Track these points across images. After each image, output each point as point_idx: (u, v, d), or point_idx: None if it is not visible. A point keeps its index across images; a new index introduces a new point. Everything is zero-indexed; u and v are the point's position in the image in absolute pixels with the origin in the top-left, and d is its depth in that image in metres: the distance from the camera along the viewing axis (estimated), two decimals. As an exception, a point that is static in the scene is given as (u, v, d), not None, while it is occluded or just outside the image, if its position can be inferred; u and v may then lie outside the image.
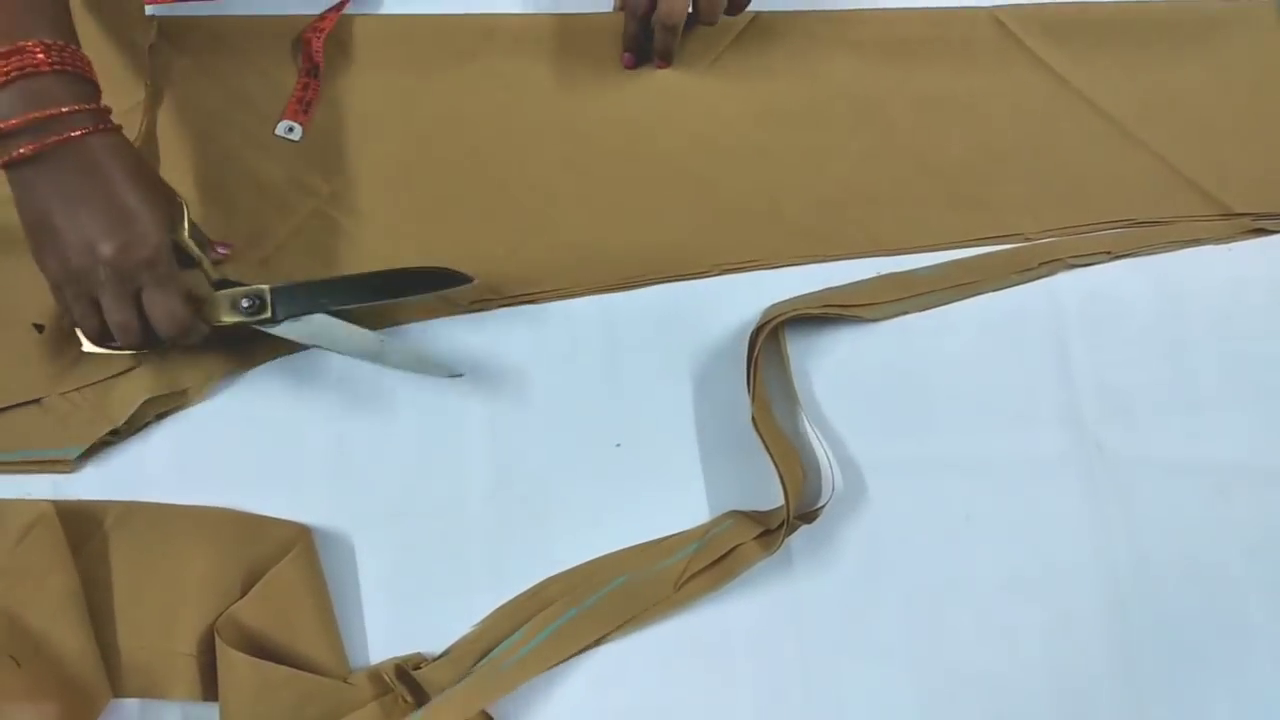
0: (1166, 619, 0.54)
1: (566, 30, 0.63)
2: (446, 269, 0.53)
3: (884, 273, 0.59)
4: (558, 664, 0.51)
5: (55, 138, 0.45)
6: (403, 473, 0.55)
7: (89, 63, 0.47)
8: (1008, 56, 0.64)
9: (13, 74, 0.44)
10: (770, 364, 0.56)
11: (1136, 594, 0.54)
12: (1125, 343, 0.59)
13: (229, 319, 0.52)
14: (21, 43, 0.44)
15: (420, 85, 0.61)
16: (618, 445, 0.56)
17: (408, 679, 0.50)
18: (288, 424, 0.55)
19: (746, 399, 0.55)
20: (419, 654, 0.52)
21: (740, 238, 0.59)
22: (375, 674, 0.51)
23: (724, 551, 0.53)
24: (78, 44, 0.47)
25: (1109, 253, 0.60)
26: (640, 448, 0.56)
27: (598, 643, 0.52)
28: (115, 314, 0.48)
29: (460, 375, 0.54)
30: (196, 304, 0.51)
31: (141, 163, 0.48)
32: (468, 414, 0.56)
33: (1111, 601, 0.54)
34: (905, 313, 0.58)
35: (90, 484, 0.54)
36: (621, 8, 0.63)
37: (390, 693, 0.50)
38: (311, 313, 0.53)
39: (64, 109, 0.45)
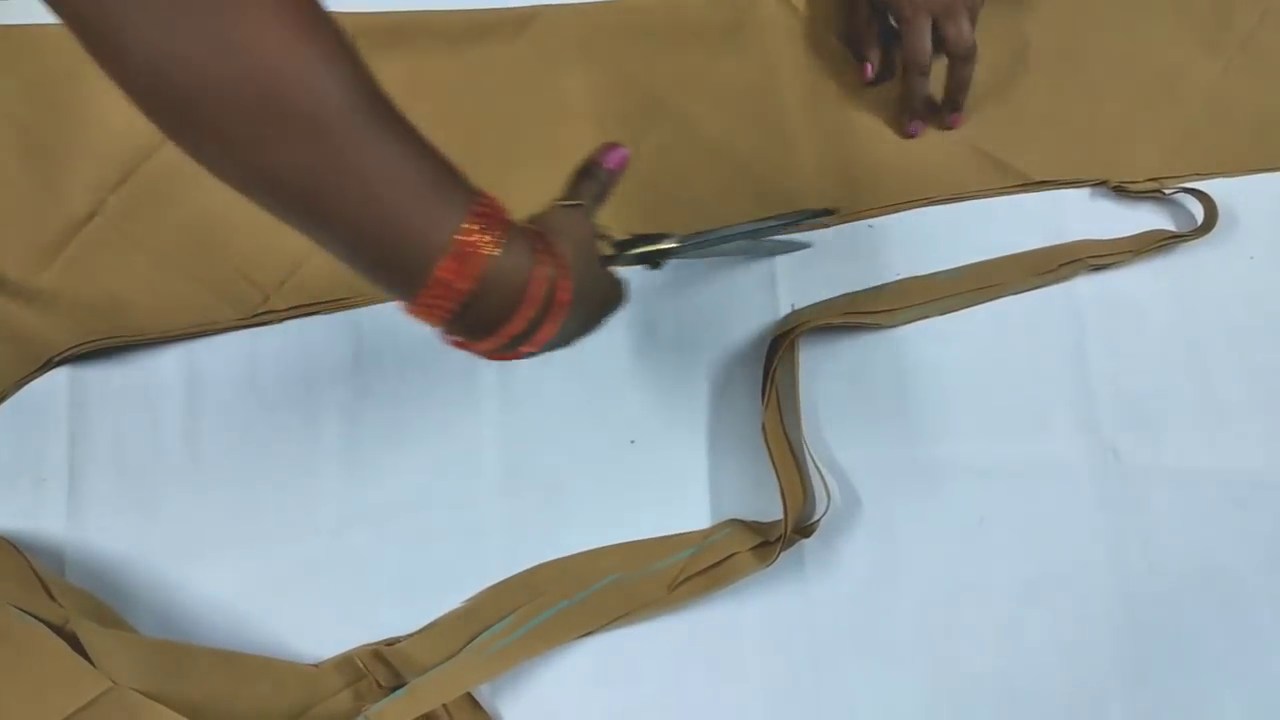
0: (1179, 627, 0.54)
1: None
2: (812, 209, 0.55)
3: (903, 277, 0.59)
4: (543, 654, 0.51)
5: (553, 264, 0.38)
6: (417, 466, 0.55)
7: None
8: (795, 35, 0.62)
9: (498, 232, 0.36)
10: (786, 375, 0.56)
11: (1149, 601, 0.54)
12: (1143, 350, 0.58)
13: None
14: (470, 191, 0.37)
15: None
16: (632, 442, 0.56)
17: (383, 662, 0.51)
18: (302, 418, 0.55)
19: (760, 405, 0.55)
20: (393, 636, 0.52)
21: None
22: (346, 660, 0.51)
23: (720, 558, 0.53)
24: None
25: (1130, 252, 0.59)
26: (654, 446, 0.56)
27: (586, 636, 0.52)
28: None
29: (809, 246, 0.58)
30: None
31: (586, 241, 0.43)
32: (483, 407, 0.56)
33: (1124, 608, 0.54)
34: (925, 317, 0.58)
35: (104, 482, 0.54)
36: (878, 77, 0.61)
37: (364, 679, 0.51)
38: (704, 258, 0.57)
39: (544, 268, 0.38)
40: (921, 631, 0.53)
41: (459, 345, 0.39)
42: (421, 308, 0.36)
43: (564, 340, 0.42)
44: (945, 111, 0.61)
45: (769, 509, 0.54)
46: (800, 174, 0.60)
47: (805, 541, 0.53)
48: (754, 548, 0.53)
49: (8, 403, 0.55)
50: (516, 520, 0.55)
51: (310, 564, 0.54)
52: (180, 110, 0.32)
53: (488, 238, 0.35)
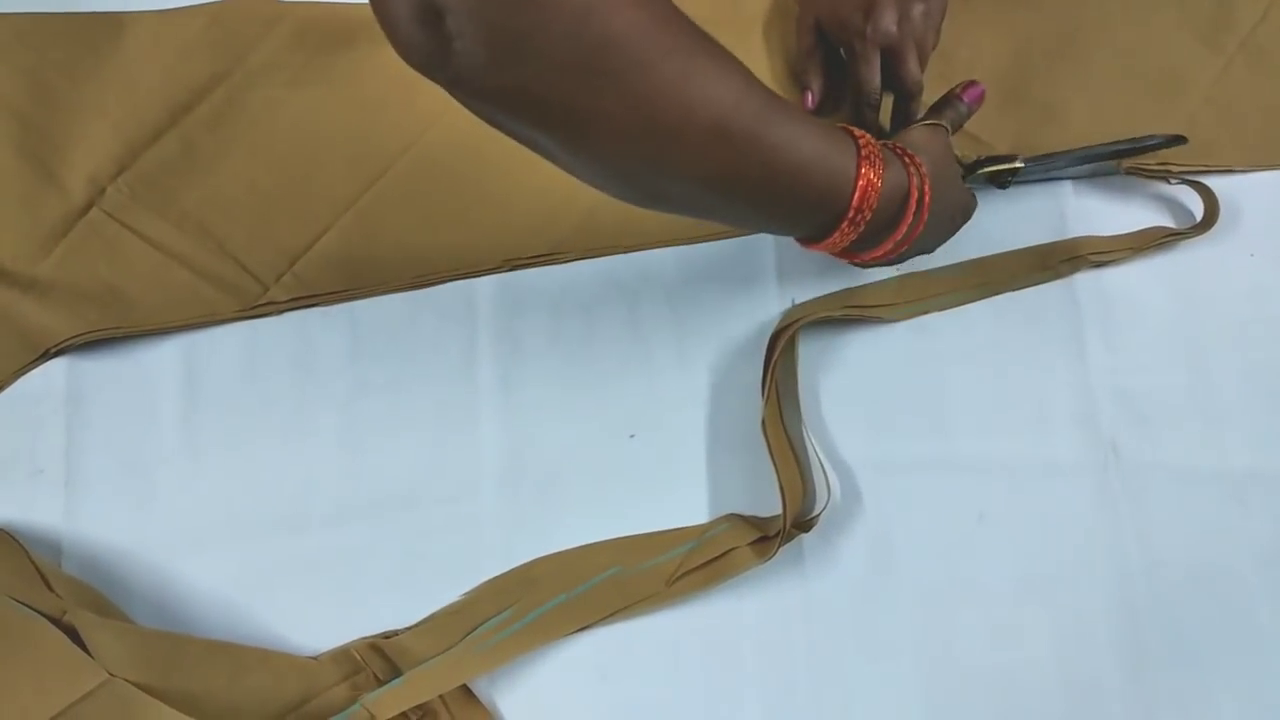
0: (1177, 623, 0.54)
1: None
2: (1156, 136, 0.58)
3: (903, 272, 0.59)
4: (541, 647, 0.52)
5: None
6: (415, 459, 0.55)
7: None
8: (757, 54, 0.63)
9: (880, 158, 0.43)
10: (786, 368, 0.56)
11: (1148, 598, 0.54)
12: (1143, 347, 0.58)
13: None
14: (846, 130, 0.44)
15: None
16: (632, 436, 0.56)
17: (380, 654, 0.51)
18: (300, 410, 0.55)
19: (760, 399, 0.55)
20: (392, 630, 0.52)
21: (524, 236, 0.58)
22: (344, 653, 0.51)
23: (719, 553, 0.53)
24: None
25: (1131, 249, 0.59)
26: (653, 440, 0.56)
27: (583, 630, 0.52)
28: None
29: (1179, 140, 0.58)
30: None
31: (945, 151, 0.50)
32: (481, 401, 0.56)
33: (1122, 605, 0.54)
34: (926, 312, 0.58)
35: (101, 474, 0.54)
36: (819, 107, 0.60)
37: (362, 671, 0.51)
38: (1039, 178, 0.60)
39: (910, 173, 0.46)
40: (919, 627, 0.53)
41: (850, 259, 0.48)
42: (834, 240, 0.44)
43: (927, 242, 0.50)
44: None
45: (768, 503, 0.54)
46: None
47: (804, 536, 0.53)
48: (753, 542, 0.53)
49: (5, 394, 0.55)
50: (514, 514, 0.55)
51: (308, 556, 0.54)
52: (653, 165, 0.38)
53: (876, 166, 0.42)
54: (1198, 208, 0.60)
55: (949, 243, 0.59)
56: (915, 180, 0.45)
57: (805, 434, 0.55)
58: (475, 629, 0.52)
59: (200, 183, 0.57)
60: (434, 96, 0.58)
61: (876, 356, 0.57)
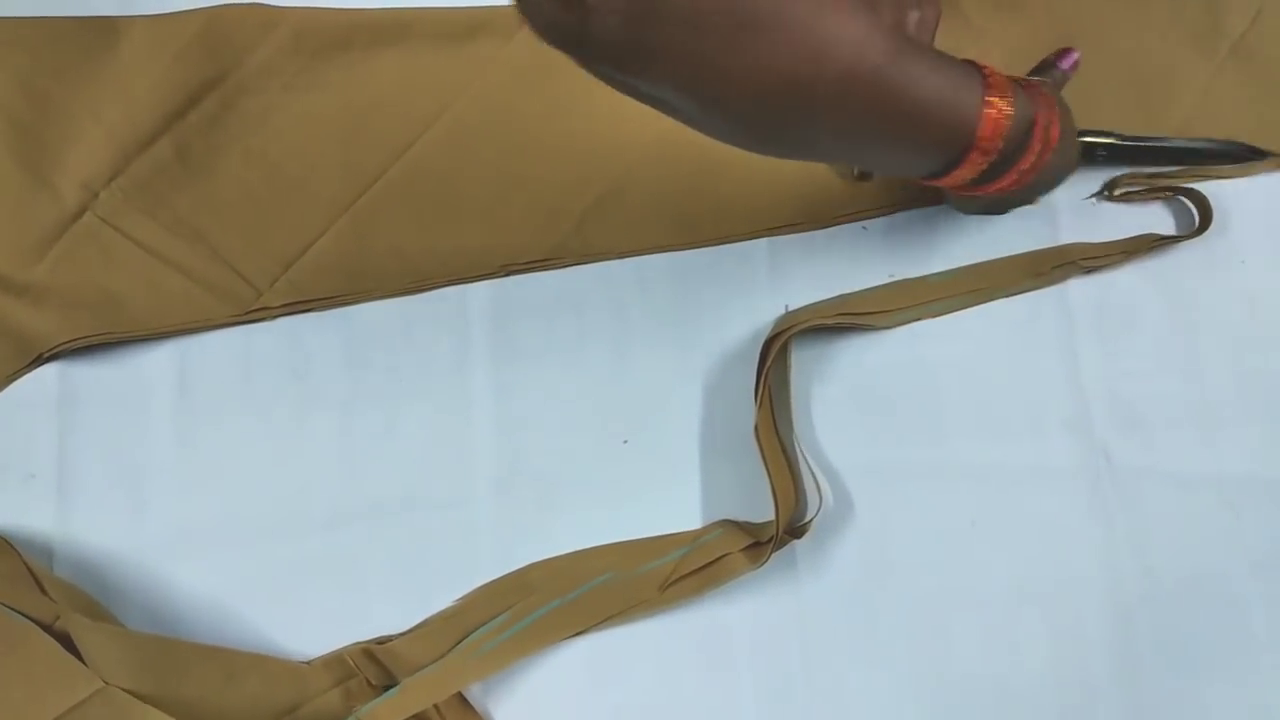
0: (1171, 630, 0.54)
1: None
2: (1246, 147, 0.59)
3: (896, 278, 0.59)
4: (535, 653, 0.52)
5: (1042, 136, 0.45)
6: (409, 464, 0.55)
7: None
8: None
9: (1008, 89, 0.43)
10: (779, 375, 0.56)
11: (1141, 605, 0.54)
12: (1137, 353, 0.58)
13: None
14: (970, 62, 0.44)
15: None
16: (625, 442, 0.56)
17: (373, 660, 0.51)
18: (294, 415, 0.55)
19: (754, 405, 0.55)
20: (385, 635, 0.52)
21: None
22: (337, 659, 0.51)
23: (712, 559, 0.53)
24: None
25: (1123, 254, 0.59)
26: (647, 445, 0.56)
27: (577, 635, 0.52)
28: None
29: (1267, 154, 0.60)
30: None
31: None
32: (475, 406, 0.56)
33: (1116, 612, 0.54)
34: (919, 319, 0.58)
35: (94, 479, 0.54)
36: None
37: (355, 677, 0.51)
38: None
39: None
40: (913, 632, 0.54)
41: (963, 191, 0.47)
42: (962, 172, 0.44)
43: (1048, 181, 0.49)
44: None
45: (761, 509, 0.54)
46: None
47: (797, 542, 0.53)
48: (746, 548, 0.53)
49: (-3, 398, 0.55)
50: (508, 519, 0.55)
51: (301, 562, 0.54)
52: (786, 116, 0.37)
53: (1006, 100, 0.42)
54: (1191, 213, 0.61)
55: (947, 247, 0.59)
56: (1044, 111, 0.44)
57: (797, 441, 0.55)
58: (469, 635, 0.52)
59: (194, 187, 0.57)
60: (429, 102, 0.59)
61: (869, 363, 0.58)
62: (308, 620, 0.53)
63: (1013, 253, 0.59)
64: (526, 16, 0.35)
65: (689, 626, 0.53)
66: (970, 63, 0.43)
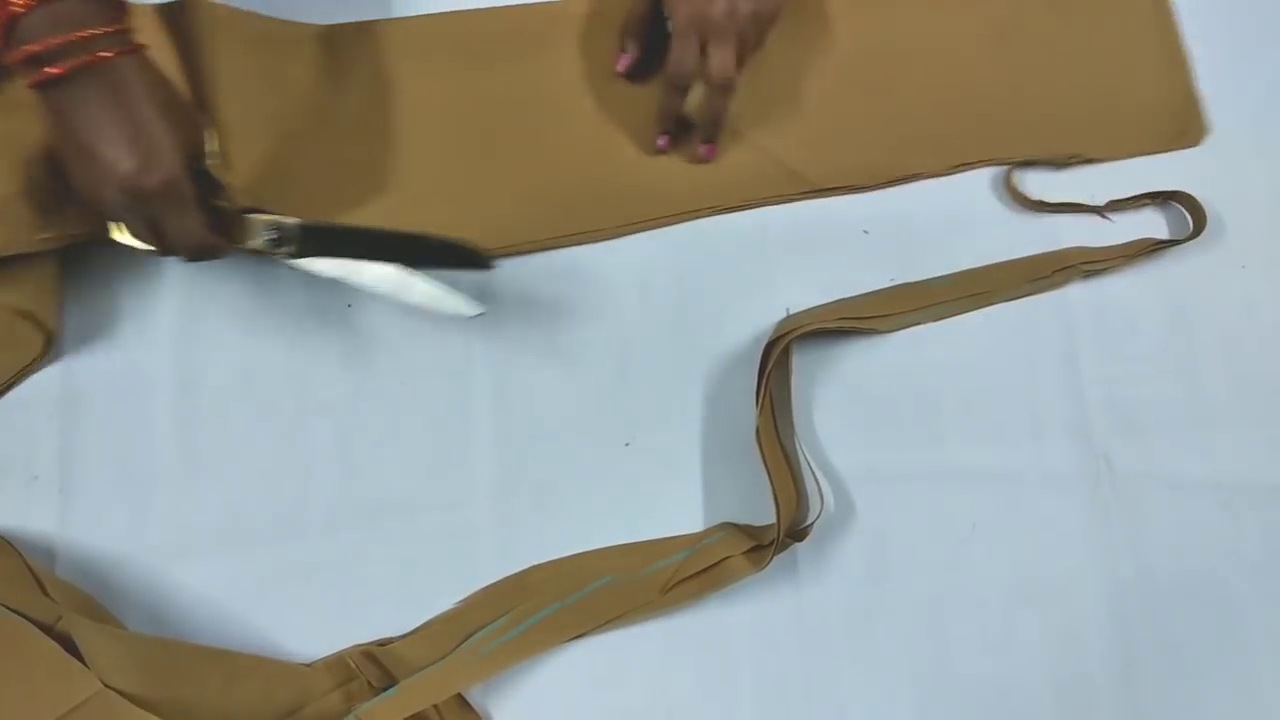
0: (1169, 634, 0.54)
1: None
2: (471, 248, 0.51)
3: (897, 282, 0.59)
4: (535, 655, 0.52)
5: (82, 59, 0.44)
6: (410, 467, 0.55)
7: None
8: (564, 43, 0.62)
9: None
10: (780, 378, 0.56)
11: (1140, 608, 0.54)
12: (1135, 358, 0.59)
13: (253, 244, 0.51)
14: None
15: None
16: (626, 444, 0.56)
17: (374, 663, 0.51)
18: (295, 418, 0.55)
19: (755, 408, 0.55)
20: (386, 637, 0.52)
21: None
22: (338, 661, 0.51)
23: (713, 562, 0.53)
24: None
25: (1122, 259, 0.60)
26: (649, 448, 0.56)
27: (578, 638, 0.52)
28: (138, 230, 0.49)
29: (481, 313, 0.52)
30: (222, 225, 0.50)
31: (163, 85, 0.49)
32: (476, 408, 0.56)
33: (1114, 615, 0.54)
34: (919, 323, 0.58)
35: (96, 480, 0.54)
36: (630, 73, 0.61)
37: (355, 679, 0.51)
38: (335, 255, 0.52)
39: (92, 31, 0.44)
40: (913, 636, 0.54)
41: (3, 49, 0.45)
42: None
43: (80, 147, 0.46)
44: (698, 140, 0.59)
45: (763, 512, 0.54)
46: (560, 186, 0.60)
47: (798, 546, 0.53)
48: (747, 551, 0.53)
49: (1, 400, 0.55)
50: (509, 521, 0.55)
51: (302, 564, 0.54)
52: None
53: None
54: (1188, 218, 0.61)
55: (948, 252, 0.59)
56: (101, 37, 0.44)
57: (799, 444, 0.55)
58: (470, 637, 0.52)
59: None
60: (424, 89, 0.59)
61: (870, 367, 0.58)
62: (309, 622, 0.53)
63: (1013, 257, 0.60)
64: None
65: (690, 629, 0.53)
66: None
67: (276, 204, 0.53)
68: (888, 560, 0.55)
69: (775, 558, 0.52)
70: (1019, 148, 0.62)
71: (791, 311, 0.58)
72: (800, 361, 0.57)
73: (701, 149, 0.59)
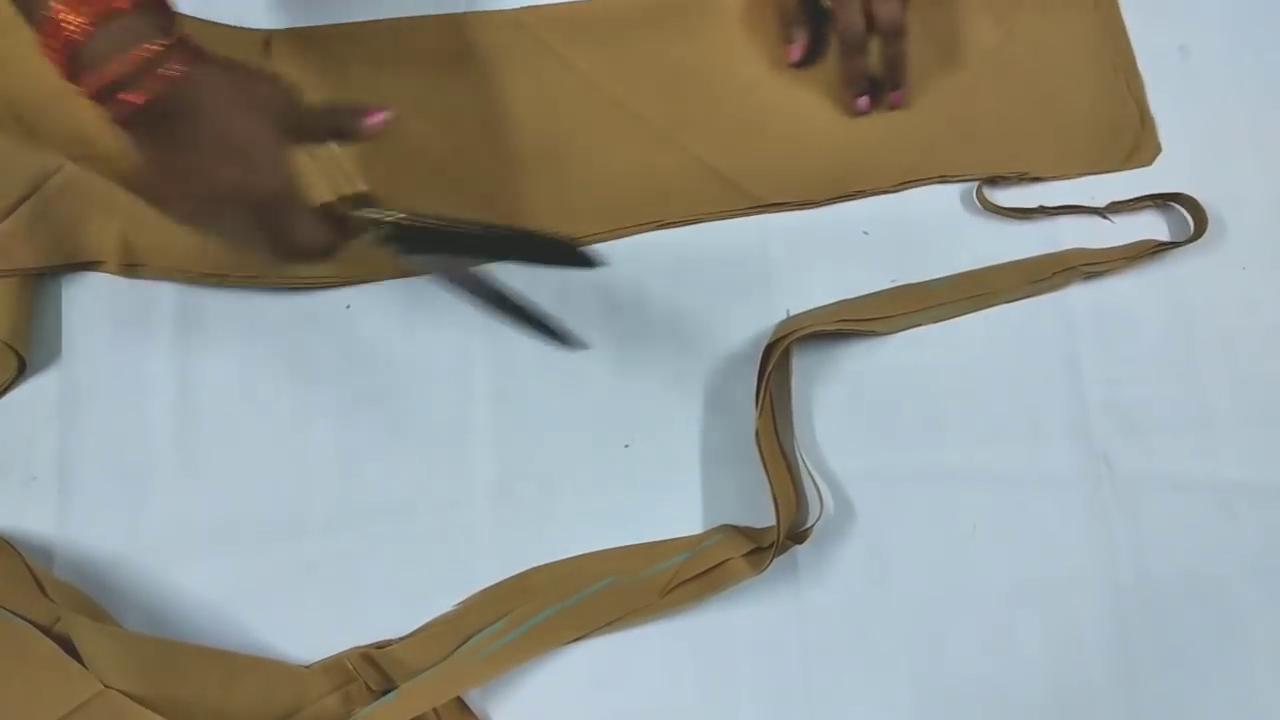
0: (1169, 635, 0.54)
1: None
2: (577, 246, 0.49)
3: (897, 283, 0.59)
4: (535, 658, 0.51)
5: (158, 80, 0.41)
6: (409, 468, 0.55)
7: None
8: (533, 61, 0.62)
9: (97, 17, 0.40)
10: (780, 380, 0.56)
11: (1140, 609, 0.54)
12: (1136, 359, 0.58)
13: (362, 240, 0.48)
14: None
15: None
16: (626, 446, 0.56)
17: (373, 665, 0.51)
18: (294, 418, 0.55)
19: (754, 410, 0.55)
20: (385, 639, 0.52)
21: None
22: (337, 663, 0.51)
23: (713, 564, 0.53)
24: None
25: (1123, 260, 0.59)
26: (648, 450, 0.56)
27: (578, 640, 0.52)
28: (249, 240, 0.46)
29: (586, 348, 0.51)
30: (329, 220, 0.47)
31: (245, 83, 0.44)
32: (476, 409, 0.56)
33: (1115, 616, 0.54)
34: (919, 324, 0.58)
35: (95, 481, 0.54)
36: (804, 58, 0.62)
37: (354, 682, 0.51)
38: (438, 253, 0.49)
39: (153, 46, 0.41)
40: (913, 638, 0.54)
41: (70, 78, 0.42)
42: (45, 29, 0.41)
43: (193, 168, 0.43)
44: (887, 90, 0.61)
45: (763, 515, 0.54)
46: (540, 195, 0.60)
47: (798, 548, 0.53)
48: (747, 554, 0.53)
49: (-1, 401, 0.55)
50: (509, 523, 0.55)
51: (301, 565, 0.54)
52: None
53: (80, 14, 0.40)
54: (1189, 220, 0.61)
55: (948, 253, 0.59)
56: (176, 52, 0.42)
57: (799, 446, 0.55)
58: (469, 639, 0.52)
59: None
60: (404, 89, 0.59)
61: (870, 368, 0.58)
62: (307, 624, 0.53)
63: (1013, 259, 0.60)
64: None
65: (690, 632, 0.53)
66: None
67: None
68: (888, 562, 0.55)
69: (775, 560, 0.52)
70: (968, 165, 0.61)
71: (791, 313, 0.58)
72: (800, 363, 0.57)
73: (892, 97, 0.62)
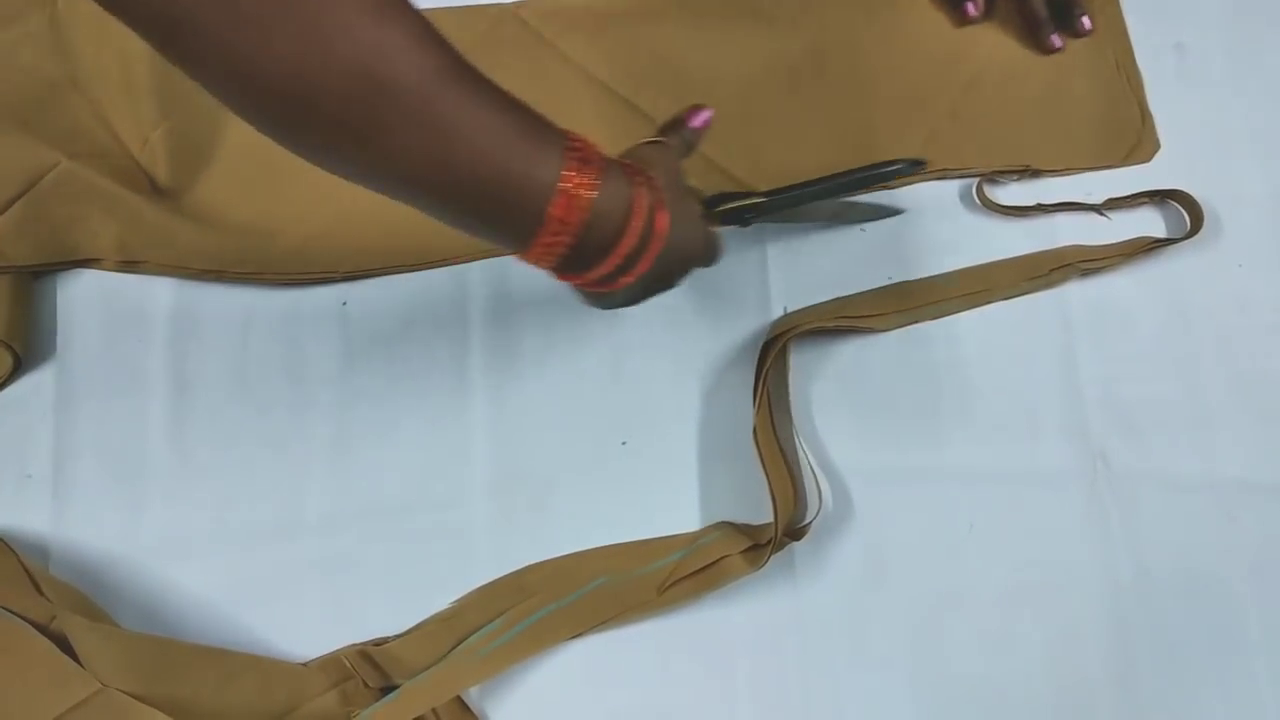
0: (1166, 634, 0.54)
1: None
2: (894, 164, 0.56)
3: (894, 280, 0.59)
4: (532, 656, 0.51)
5: (658, 241, 0.41)
6: (406, 466, 0.55)
7: None
8: (533, 53, 0.62)
9: (600, 174, 0.38)
10: (777, 378, 0.56)
11: (1137, 608, 0.54)
12: (1133, 357, 0.58)
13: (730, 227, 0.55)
14: (560, 133, 0.38)
15: None
16: (623, 443, 0.56)
17: (370, 662, 0.51)
18: (291, 417, 0.55)
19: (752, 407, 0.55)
20: (382, 637, 0.52)
21: None
22: (334, 660, 0.51)
23: (710, 561, 0.53)
24: None
25: (1120, 257, 0.59)
26: (645, 447, 0.56)
27: (575, 638, 0.52)
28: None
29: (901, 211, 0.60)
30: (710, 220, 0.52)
31: (677, 183, 0.45)
32: (472, 407, 0.56)
33: (1112, 615, 0.54)
34: (916, 321, 0.58)
35: (90, 479, 0.54)
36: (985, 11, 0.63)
37: (351, 679, 0.51)
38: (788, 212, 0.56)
39: (641, 192, 0.39)
40: (911, 635, 0.54)
41: (566, 279, 0.41)
42: (537, 252, 0.38)
43: (664, 276, 0.44)
44: (1075, 18, 0.63)
45: (760, 512, 0.54)
46: None
47: (795, 545, 0.53)
48: (744, 551, 0.53)
49: (-7, 399, 0.55)
50: (505, 521, 0.55)
51: (297, 563, 0.53)
52: (291, 113, 0.33)
53: (588, 174, 0.37)
54: (1185, 217, 0.61)
55: (945, 250, 0.59)
56: (644, 197, 0.39)
57: (797, 442, 0.55)
58: (466, 637, 0.52)
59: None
60: None
61: (868, 366, 0.58)
62: (304, 621, 0.53)
63: (1010, 256, 0.60)
64: None
65: (687, 629, 0.53)
66: (556, 127, 0.38)
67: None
68: (885, 559, 0.55)
69: (772, 557, 0.52)
70: (969, 160, 0.61)
71: (788, 310, 0.58)
72: (798, 360, 0.57)
73: (1079, 24, 0.63)
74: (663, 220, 0.40)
